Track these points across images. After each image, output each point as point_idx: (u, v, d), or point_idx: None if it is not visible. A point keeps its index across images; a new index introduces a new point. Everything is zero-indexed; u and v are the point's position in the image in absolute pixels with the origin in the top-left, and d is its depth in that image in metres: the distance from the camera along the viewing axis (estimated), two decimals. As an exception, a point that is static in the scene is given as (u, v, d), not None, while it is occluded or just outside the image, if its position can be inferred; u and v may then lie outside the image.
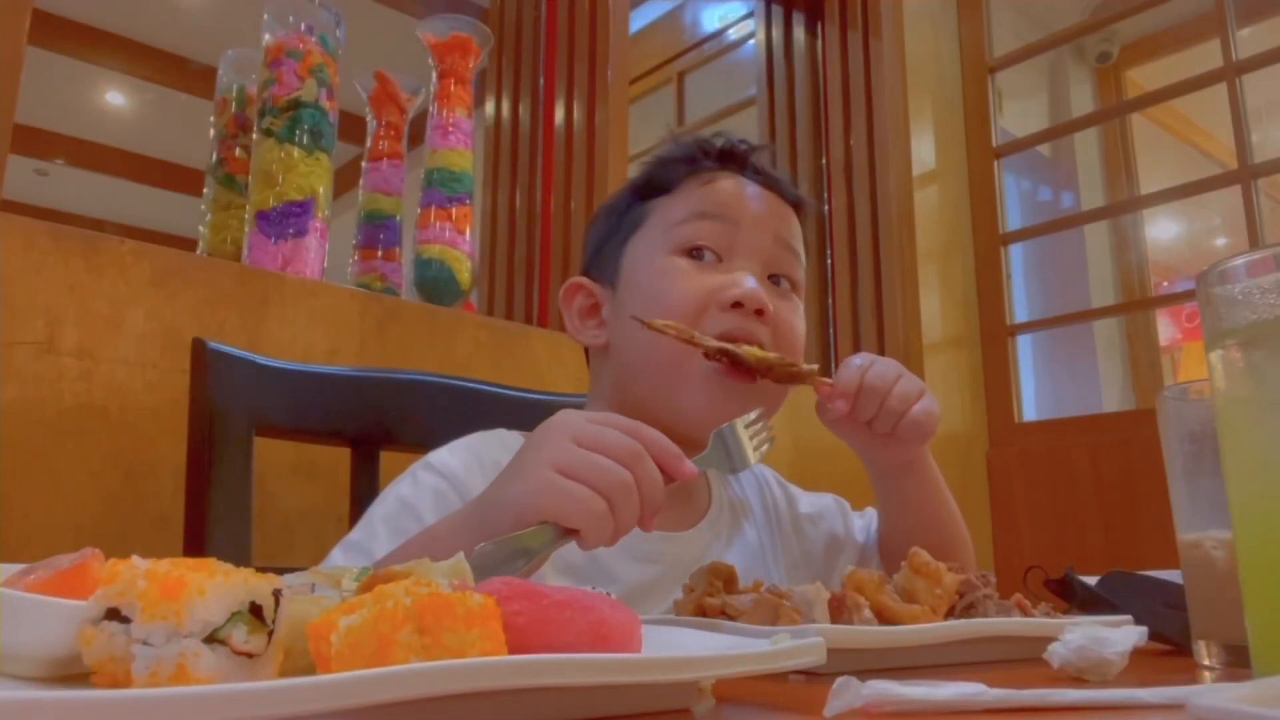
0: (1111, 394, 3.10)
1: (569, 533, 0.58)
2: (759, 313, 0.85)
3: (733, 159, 0.94)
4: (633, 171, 1.44)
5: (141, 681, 0.31)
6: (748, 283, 0.85)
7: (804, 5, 2.49)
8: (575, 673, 0.35)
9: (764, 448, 0.72)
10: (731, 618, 0.60)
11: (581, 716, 0.39)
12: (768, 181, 0.94)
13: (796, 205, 0.96)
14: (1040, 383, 2.91)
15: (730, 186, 0.92)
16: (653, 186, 0.95)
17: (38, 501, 0.93)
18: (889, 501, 0.97)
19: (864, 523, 1.06)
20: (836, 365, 2.25)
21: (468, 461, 0.84)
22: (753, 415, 0.72)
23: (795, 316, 0.91)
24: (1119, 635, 0.50)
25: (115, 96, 4.47)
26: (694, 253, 0.88)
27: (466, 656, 0.34)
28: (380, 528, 0.77)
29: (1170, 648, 0.67)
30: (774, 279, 0.91)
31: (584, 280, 0.97)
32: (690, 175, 0.93)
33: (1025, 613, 0.67)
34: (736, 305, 0.85)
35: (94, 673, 0.32)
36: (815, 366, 0.84)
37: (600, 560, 0.84)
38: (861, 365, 0.86)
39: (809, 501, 1.07)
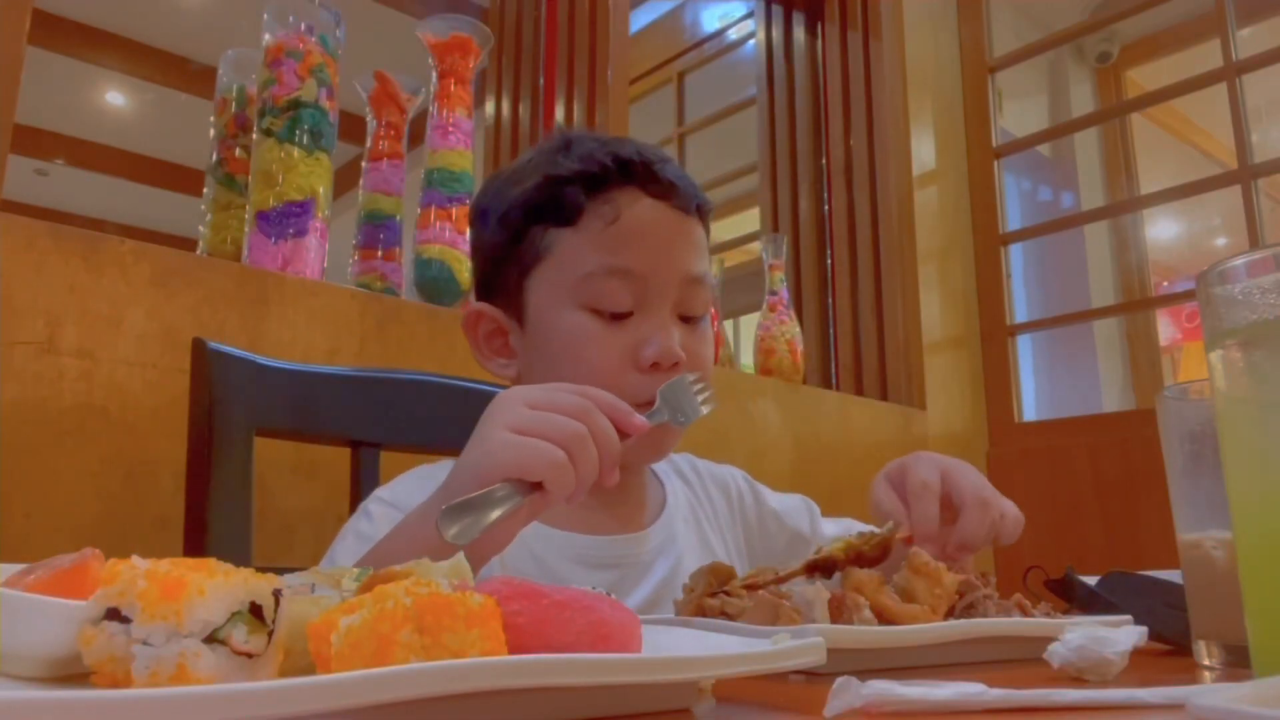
0: (1111, 394, 3.11)
1: (533, 487, 0.59)
2: (674, 365, 0.84)
3: (633, 173, 0.87)
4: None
5: (141, 681, 0.31)
6: (663, 342, 0.83)
7: (804, 5, 2.49)
8: (575, 673, 0.35)
9: (710, 405, 0.76)
10: (731, 618, 0.60)
11: (581, 716, 0.39)
12: (670, 192, 0.88)
13: (699, 210, 0.91)
14: (1040, 383, 2.91)
15: (635, 225, 0.85)
16: (550, 213, 0.87)
17: (38, 501, 0.93)
18: None
19: (838, 529, 1.04)
20: (837, 368, 2.26)
21: (415, 491, 0.82)
22: (692, 376, 0.78)
23: (705, 345, 0.90)
24: (1119, 635, 0.50)
25: (115, 96, 4.47)
26: (603, 309, 0.85)
27: (466, 656, 0.34)
28: (344, 563, 0.77)
29: (1170, 648, 0.67)
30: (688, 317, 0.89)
31: (485, 308, 0.92)
32: (591, 205, 0.86)
33: (1025, 613, 0.67)
34: (654, 365, 0.83)
35: (94, 673, 0.32)
36: (902, 531, 0.75)
37: (553, 570, 0.84)
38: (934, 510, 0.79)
39: (778, 499, 1.07)
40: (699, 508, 1.01)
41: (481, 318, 0.92)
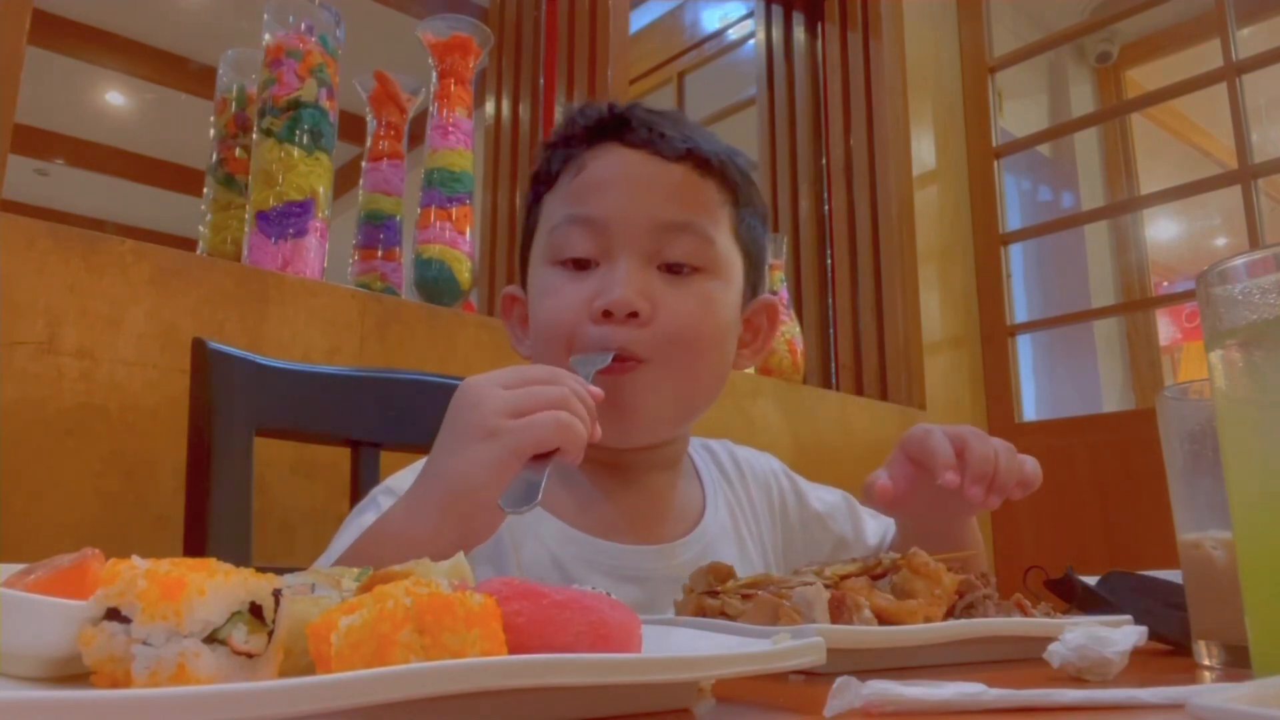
0: (1111, 394, 3.11)
1: (549, 455, 0.63)
2: (633, 316, 0.79)
3: (604, 128, 0.85)
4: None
5: (141, 681, 0.31)
6: (611, 290, 0.79)
7: (804, 5, 2.49)
8: (575, 673, 0.35)
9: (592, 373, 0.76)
10: (731, 618, 0.60)
11: (581, 716, 0.39)
12: (650, 141, 0.83)
13: (694, 157, 0.84)
14: (1040, 383, 2.91)
15: (599, 175, 0.83)
16: (540, 182, 0.89)
17: (38, 501, 0.93)
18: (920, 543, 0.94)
19: (879, 525, 1.01)
20: (837, 368, 2.26)
21: None
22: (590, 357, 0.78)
23: (689, 302, 0.82)
24: (1119, 635, 0.50)
25: (115, 96, 4.47)
26: (573, 261, 0.83)
27: (466, 656, 0.34)
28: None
29: (1170, 648, 0.67)
30: (673, 266, 0.82)
31: (516, 290, 0.93)
32: (566, 165, 0.86)
33: (1025, 613, 0.67)
34: (607, 315, 0.79)
35: (94, 673, 0.32)
36: (894, 555, 0.68)
37: (575, 579, 0.81)
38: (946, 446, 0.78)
39: (819, 497, 1.02)
40: (739, 513, 0.95)
41: (514, 303, 0.93)
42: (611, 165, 0.84)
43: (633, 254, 0.81)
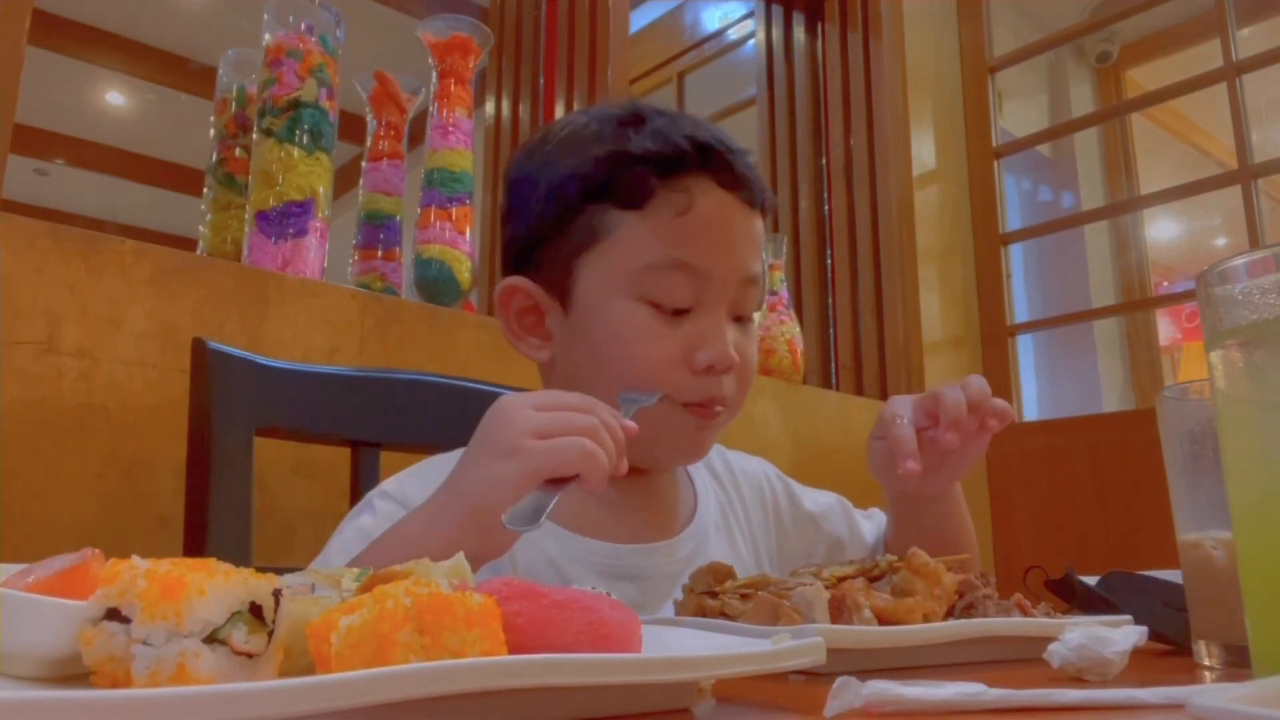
0: (1111, 394, 3.11)
1: (568, 480, 0.63)
2: (728, 369, 0.82)
3: (710, 160, 0.82)
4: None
5: (141, 681, 0.31)
6: (719, 347, 0.80)
7: (804, 5, 2.49)
8: (575, 673, 0.35)
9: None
10: (731, 618, 0.60)
11: (581, 716, 0.39)
12: (741, 184, 0.83)
13: (763, 206, 0.86)
14: (1040, 383, 2.91)
15: (705, 217, 0.81)
16: (614, 193, 0.81)
17: (38, 501, 0.93)
18: (911, 527, 0.94)
19: (873, 525, 1.02)
20: (837, 368, 2.26)
21: (423, 486, 0.78)
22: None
23: (754, 346, 0.88)
24: (1119, 635, 0.50)
25: (115, 96, 4.47)
26: (663, 304, 0.81)
27: (466, 656, 0.34)
28: (338, 559, 0.76)
29: (1170, 648, 0.67)
30: (740, 317, 0.86)
31: (523, 283, 0.86)
32: (663, 191, 0.80)
33: (1025, 613, 0.67)
34: (708, 369, 0.80)
35: (94, 673, 0.32)
36: (890, 558, 0.68)
37: (571, 579, 0.81)
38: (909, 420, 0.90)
39: (813, 499, 1.02)
40: (730, 512, 0.96)
41: (516, 293, 0.86)
42: (714, 208, 0.82)
43: (723, 306, 0.83)
